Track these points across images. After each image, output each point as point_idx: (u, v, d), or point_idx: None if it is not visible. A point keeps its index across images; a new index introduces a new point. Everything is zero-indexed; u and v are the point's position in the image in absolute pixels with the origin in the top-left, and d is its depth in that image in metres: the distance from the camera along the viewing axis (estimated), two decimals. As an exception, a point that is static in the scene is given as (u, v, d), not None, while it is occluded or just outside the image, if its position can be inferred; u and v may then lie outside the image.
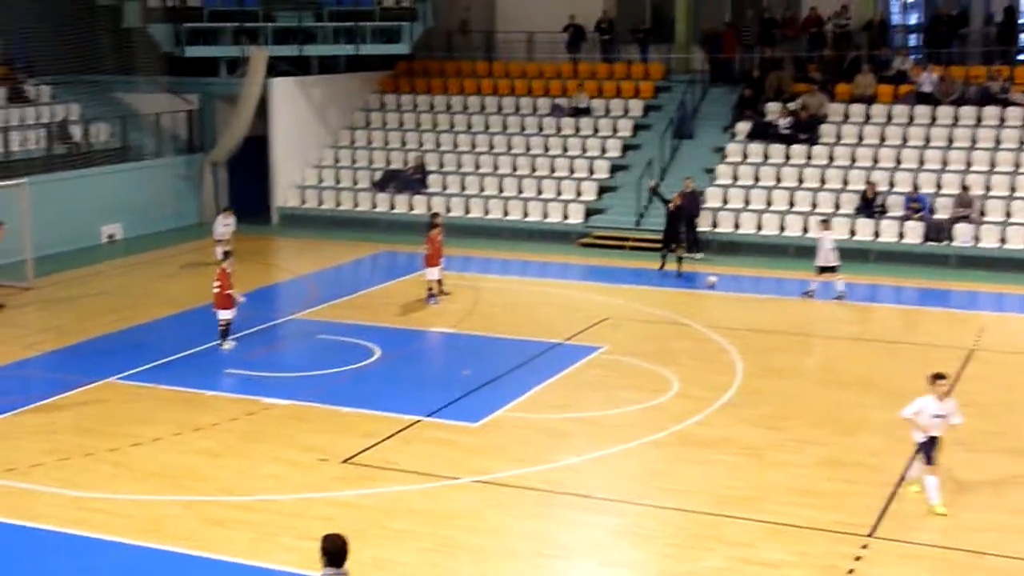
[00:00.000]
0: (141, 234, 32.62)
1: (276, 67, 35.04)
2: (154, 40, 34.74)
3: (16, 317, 24.23)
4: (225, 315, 21.49)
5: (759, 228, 30.56)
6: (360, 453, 16.42)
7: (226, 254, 22.24)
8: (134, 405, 18.62)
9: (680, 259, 28.09)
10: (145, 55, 35.70)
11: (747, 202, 31.32)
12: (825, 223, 26.32)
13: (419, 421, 17.74)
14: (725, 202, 31.29)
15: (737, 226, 30.73)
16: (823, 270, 25.37)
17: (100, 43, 36.52)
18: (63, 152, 32.09)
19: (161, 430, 17.36)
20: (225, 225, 28.76)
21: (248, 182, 35.91)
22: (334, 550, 8.97)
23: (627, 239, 30.85)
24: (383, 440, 16.94)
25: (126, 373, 20.12)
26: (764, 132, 32.95)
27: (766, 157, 32.54)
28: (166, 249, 31.13)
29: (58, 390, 19.22)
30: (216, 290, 21.41)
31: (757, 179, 31.97)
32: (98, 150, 33.05)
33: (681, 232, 28.21)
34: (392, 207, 34.13)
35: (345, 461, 16.14)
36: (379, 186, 34.68)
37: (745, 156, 32.76)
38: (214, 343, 21.63)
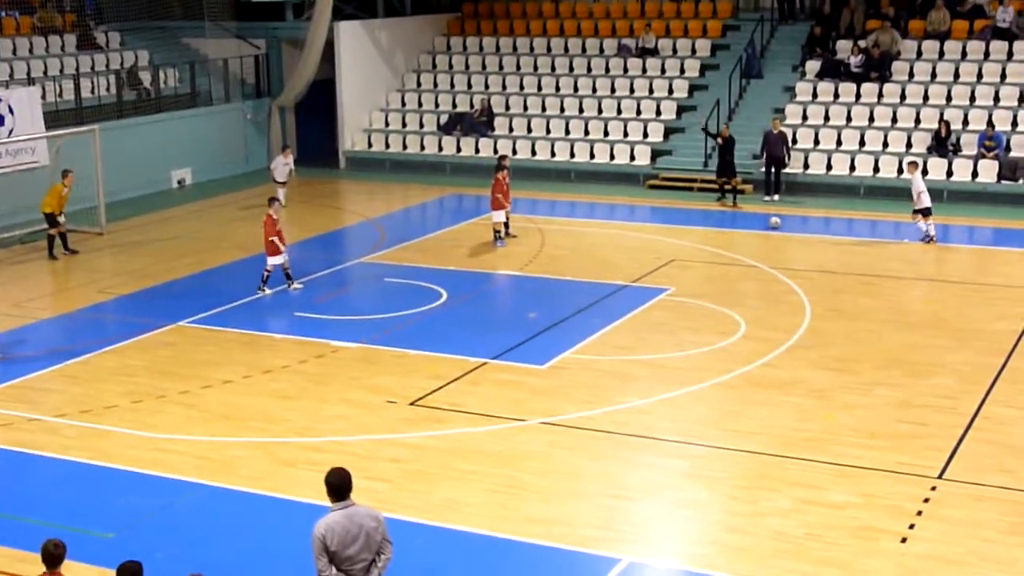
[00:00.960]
0: (210, 179, 32.91)
1: (342, 10, 35.03)
2: (221, -15, 34.91)
3: (89, 262, 24.62)
4: (273, 261, 21.61)
5: (829, 168, 30.15)
6: (427, 395, 16.55)
7: (271, 200, 22.25)
8: (205, 348, 18.89)
9: (734, 192, 28.43)
10: (212, 0, 35.86)
11: (816, 141, 30.89)
12: (914, 164, 25.92)
13: (486, 363, 17.82)
14: (794, 141, 30.82)
15: (806, 166, 30.34)
16: (925, 212, 24.79)
17: (168, -12, 36.81)
18: (133, 98, 32.39)
19: (231, 372, 17.62)
20: (284, 164, 29.10)
21: (315, 126, 36.17)
22: (335, 483, 9.14)
23: (694, 180, 30.60)
24: (450, 382, 17.05)
25: (197, 316, 20.41)
26: (835, 70, 32.37)
27: (836, 96, 32.00)
28: (235, 193, 31.37)
29: (131, 333, 19.55)
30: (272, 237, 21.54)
31: (827, 118, 31.48)
32: (167, 96, 33.32)
33: (734, 165, 28.78)
34: (458, 150, 34.08)
35: (413, 403, 16.28)
36: (445, 129, 34.63)
37: (815, 95, 32.25)
38: (281, 286, 21.84)
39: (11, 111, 26.37)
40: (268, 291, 21.67)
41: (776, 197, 28.97)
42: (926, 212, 24.74)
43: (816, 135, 30.96)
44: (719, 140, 28.65)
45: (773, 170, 29.26)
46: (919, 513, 12.83)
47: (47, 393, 16.97)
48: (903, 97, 31.38)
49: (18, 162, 26.47)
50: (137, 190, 30.54)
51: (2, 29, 32.13)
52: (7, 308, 21.12)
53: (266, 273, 21.65)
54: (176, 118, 32.59)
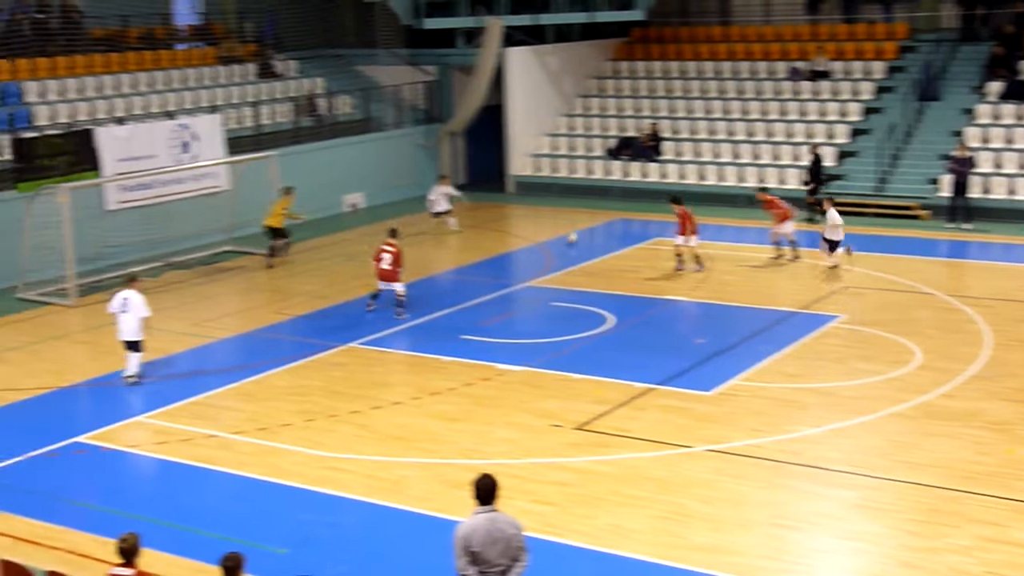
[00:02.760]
0: (382, 203, 33.58)
1: (512, 36, 35.41)
2: (394, 13, 35.63)
3: (266, 283, 25.36)
4: (401, 287, 21.94)
5: (1011, 192, 29.12)
6: (593, 420, 16.52)
7: (393, 231, 22.60)
8: (374, 369, 19.25)
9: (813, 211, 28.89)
10: (385, 28, 36.73)
11: (998, 165, 29.88)
12: (829, 200, 25.49)
13: (652, 389, 17.71)
14: (974, 166, 29.90)
15: (987, 191, 29.36)
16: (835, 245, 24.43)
17: (343, 18, 37.80)
18: (309, 124, 33.32)
19: (400, 394, 17.90)
20: (444, 194, 29.65)
21: (484, 151, 36.60)
22: (483, 488, 9.57)
23: (868, 205, 29.90)
24: (616, 407, 16.99)
25: (368, 338, 20.81)
26: (1018, 92, 31.30)
27: (1019, 118, 30.92)
28: (405, 217, 31.83)
29: (305, 353, 20.05)
30: (388, 266, 21.87)
31: (1010, 141, 30.44)
32: (341, 122, 34.18)
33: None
34: (626, 175, 34.06)
35: (578, 428, 16.27)
36: (613, 154, 34.65)
37: (996, 117, 31.22)
38: (449, 309, 22.15)
39: (196, 137, 27.43)
40: (406, 314, 22.06)
41: (970, 226, 27.87)
42: (834, 245, 24.32)
43: (998, 159, 29.94)
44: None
45: (961, 196, 28.23)
46: (1108, 554, 12.25)
47: (224, 410, 17.52)
48: (1091, 119, 30.18)
49: (202, 186, 27.53)
50: (311, 214, 31.29)
51: (190, 59, 33.46)
52: (188, 327, 21.91)
53: (401, 298, 21.99)
54: (349, 144, 33.40)
